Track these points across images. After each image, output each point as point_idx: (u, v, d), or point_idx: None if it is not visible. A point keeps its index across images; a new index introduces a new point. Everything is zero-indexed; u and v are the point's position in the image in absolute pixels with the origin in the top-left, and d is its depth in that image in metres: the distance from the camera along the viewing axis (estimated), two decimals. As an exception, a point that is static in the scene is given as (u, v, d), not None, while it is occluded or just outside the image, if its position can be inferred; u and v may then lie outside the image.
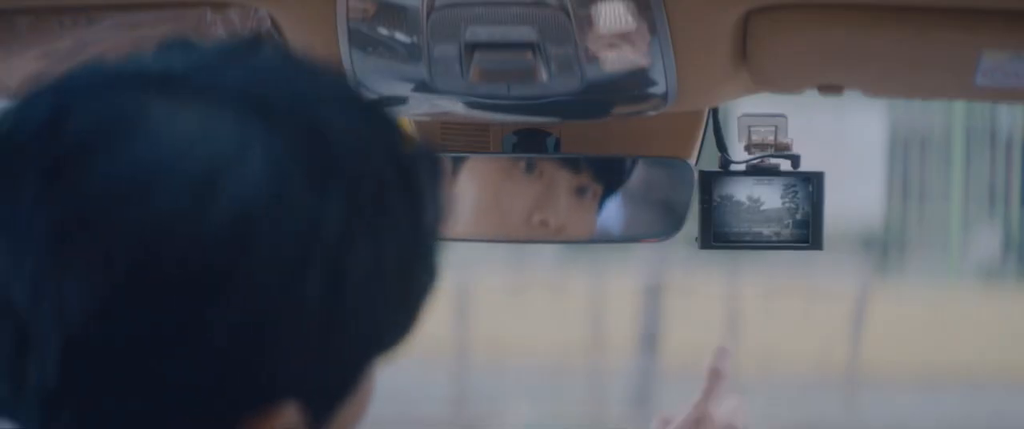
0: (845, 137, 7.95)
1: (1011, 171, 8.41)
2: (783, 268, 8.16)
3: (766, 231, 1.52)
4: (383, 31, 1.37)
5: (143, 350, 0.77)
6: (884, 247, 8.85)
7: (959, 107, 7.92)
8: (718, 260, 7.91)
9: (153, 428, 0.78)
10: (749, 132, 1.54)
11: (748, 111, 1.55)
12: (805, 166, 1.54)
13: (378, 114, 0.83)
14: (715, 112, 1.61)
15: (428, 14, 1.34)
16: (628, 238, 1.61)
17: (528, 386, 8.06)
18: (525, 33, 1.36)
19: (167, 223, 0.75)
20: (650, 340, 8.22)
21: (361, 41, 1.38)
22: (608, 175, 1.59)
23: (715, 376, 1.50)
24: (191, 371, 0.77)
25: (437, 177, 0.84)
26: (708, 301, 8.36)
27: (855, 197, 8.01)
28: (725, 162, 1.56)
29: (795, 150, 1.54)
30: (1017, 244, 8.71)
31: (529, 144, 1.60)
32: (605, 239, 1.62)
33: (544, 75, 1.40)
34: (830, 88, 1.46)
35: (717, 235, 1.54)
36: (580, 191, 1.59)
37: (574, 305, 8.54)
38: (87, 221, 0.76)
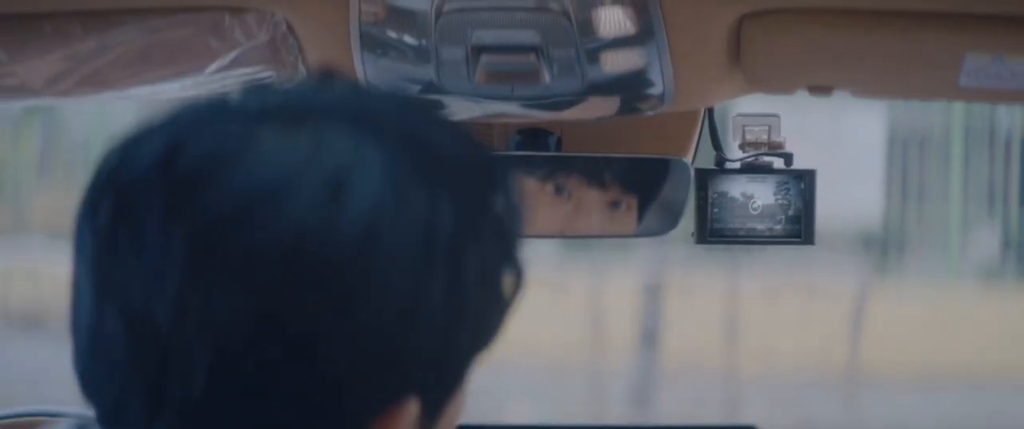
0: (844, 137, 7.92)
1: (1011, 171, 8.35)
2: (783, 268, 8.11)
3: (760, 226, 1.54)
4: (393, 34, 1.39)
5: (289, 356, 0.78)
6: (884, 247, 8.79)
7: (958, 107, 7.88)
8: (718, 259, 7.87)
9: None
10: (743, 131, 1.56)
11: (743, 111, 1.58)
12: (804, 165, 1.57)
13: (457, 126, 0.86)
14: (711, 112, 1.63)
15: (436, 18, 1.36)
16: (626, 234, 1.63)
17: (527, 384, 8.04)
18: (529, 36, 1.38)
19: (302, 231, 0.77)
20: (650, 340, 8.19)
21: (372, 44, 1.40)
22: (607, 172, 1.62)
23: None
24: (334, 372, 0.79)
25: (512, 182, 0.87)
26: (708, 301, 8.31)
27: (854, 197, 7.98)
28: (720, 160, 1.59)
29: (794, 150, 1.56)
30: (1017, 244, 8.65)
31: (532, 143, 1.62)
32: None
33: (547, 76, 1.43)
34: (820, 89, 1.49)
35: (713, 231, 1.56)
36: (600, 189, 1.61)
37: (574, 304, 8.49)
38: (220, 237, 0.77)
